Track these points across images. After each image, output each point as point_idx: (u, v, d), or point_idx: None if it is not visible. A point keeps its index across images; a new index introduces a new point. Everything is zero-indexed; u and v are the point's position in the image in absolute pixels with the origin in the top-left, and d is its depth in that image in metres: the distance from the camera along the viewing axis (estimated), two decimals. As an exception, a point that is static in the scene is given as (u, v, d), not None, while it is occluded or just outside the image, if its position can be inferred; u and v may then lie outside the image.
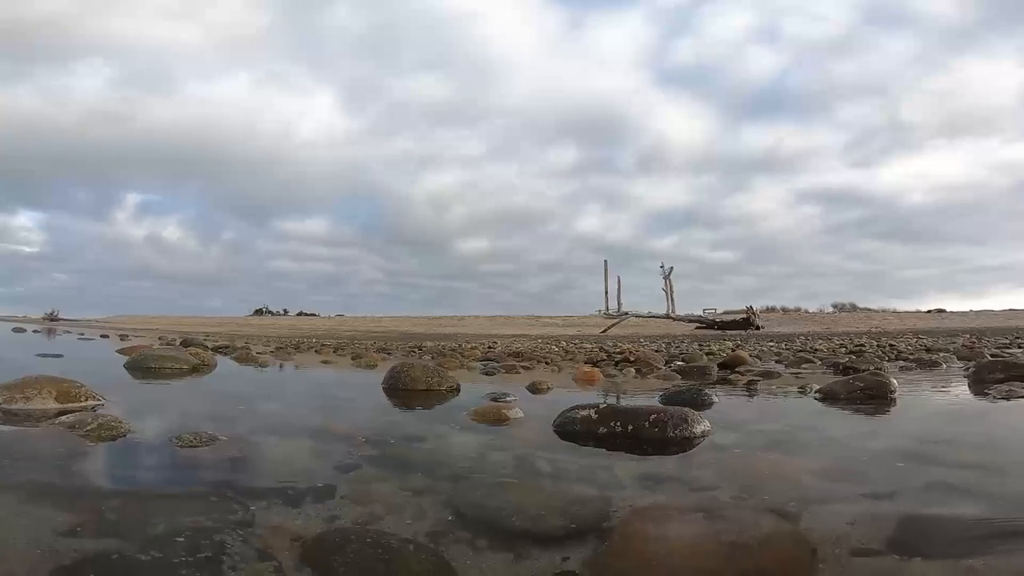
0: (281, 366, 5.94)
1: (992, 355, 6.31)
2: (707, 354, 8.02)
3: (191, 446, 1.81)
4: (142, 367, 4.52)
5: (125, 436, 1.92)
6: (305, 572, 0.98)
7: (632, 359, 6.88)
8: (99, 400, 2.58)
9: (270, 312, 59.87)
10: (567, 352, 8.98)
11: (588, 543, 1.15)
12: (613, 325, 29.71)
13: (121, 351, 6.13)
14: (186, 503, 1.28)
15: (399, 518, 1.26)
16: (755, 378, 4.64)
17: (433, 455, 1.89)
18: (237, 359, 6.45)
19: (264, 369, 5.54)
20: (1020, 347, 8.45)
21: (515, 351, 8.93)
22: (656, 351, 8.74)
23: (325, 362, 6.87)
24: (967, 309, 42.14)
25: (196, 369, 4.65)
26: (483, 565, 1.05)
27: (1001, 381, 3.81)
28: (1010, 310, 39.38)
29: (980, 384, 3.83)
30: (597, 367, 5.58)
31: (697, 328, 28.79)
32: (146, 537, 1.08)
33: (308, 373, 5.54)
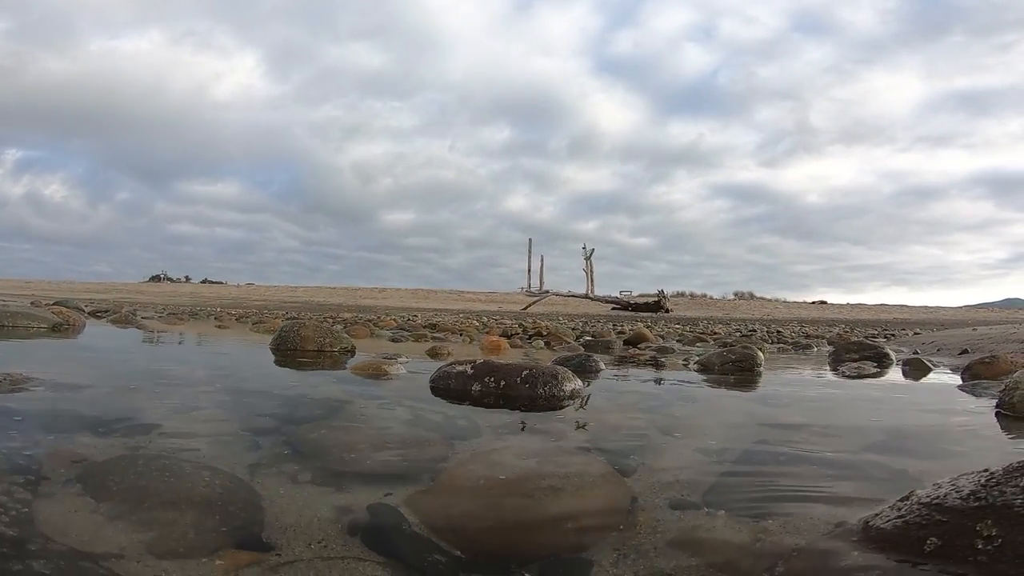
0: (181, 335, 5.41)
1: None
2: (618, 333, 8.37)
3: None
4: (-10, 322, 3.99)
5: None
6: (72, 488, 0.91)
7: (544, 333, 7.06)
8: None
9: (169, 279, 54.83)
10: (485, 326, 9.03)
11: (418, 482, 1.15)
12: (534, 303, 30.30)
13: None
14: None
15: (224, 451, 1.20)
16: (653, 353, 4.89)
17: (290, 400, 1.82)
18: (114, 322, 5.87)
19: (145, 332, 5.08)
20: (886, 337, 9.53)
21: (432, 323, 8.85)
22: (572, 328, 9.01)
23: (221, 327, 6.44)
24: (845, 302, 47.08)
25: (57, 329, 4.16)
26: (295, 494, 1.01)
27: (855, 360, 4.29)
28: (881, 304, 44.59)
29: (837, 362, 4.28)
30: (508, 340, 5.66)
31: (613, 309, 30.03)
32: None
33: (196, 337, 5.14)
